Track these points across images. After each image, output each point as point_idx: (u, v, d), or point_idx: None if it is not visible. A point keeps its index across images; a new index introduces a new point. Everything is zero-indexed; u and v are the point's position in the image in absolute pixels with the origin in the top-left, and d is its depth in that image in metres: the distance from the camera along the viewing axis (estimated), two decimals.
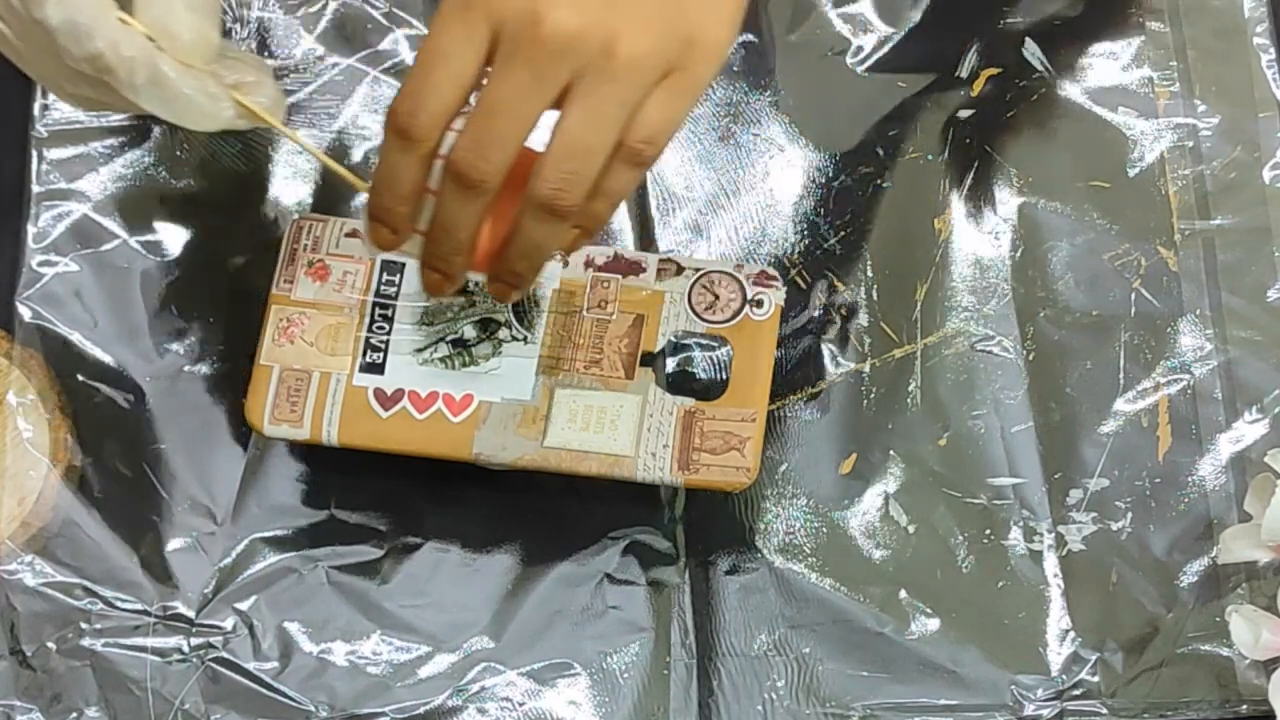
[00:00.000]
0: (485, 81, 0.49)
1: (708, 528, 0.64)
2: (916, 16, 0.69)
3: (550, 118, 0.49)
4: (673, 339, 0.62)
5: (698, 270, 0.62)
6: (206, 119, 0.53)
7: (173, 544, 0.63)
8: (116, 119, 0.67)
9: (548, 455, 0.60)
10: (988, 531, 0.64)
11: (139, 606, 0.62)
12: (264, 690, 0.62)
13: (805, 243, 0.67)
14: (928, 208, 0.67)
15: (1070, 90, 0.68)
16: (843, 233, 0.67)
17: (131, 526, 0.63)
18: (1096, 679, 0.62)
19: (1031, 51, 0.69)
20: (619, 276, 0.62)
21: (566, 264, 0.62)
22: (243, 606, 0.62)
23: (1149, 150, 0.68)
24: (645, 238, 0.67)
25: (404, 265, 0.62)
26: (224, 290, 0.66)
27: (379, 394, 0.61)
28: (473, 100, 0.50)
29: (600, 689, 0.62)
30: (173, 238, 0.66)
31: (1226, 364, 0.65)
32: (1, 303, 0.65)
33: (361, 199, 0.66)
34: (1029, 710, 0.62)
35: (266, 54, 0.68)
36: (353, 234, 0.62)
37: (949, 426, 0.65)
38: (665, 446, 0.60)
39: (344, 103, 0.68)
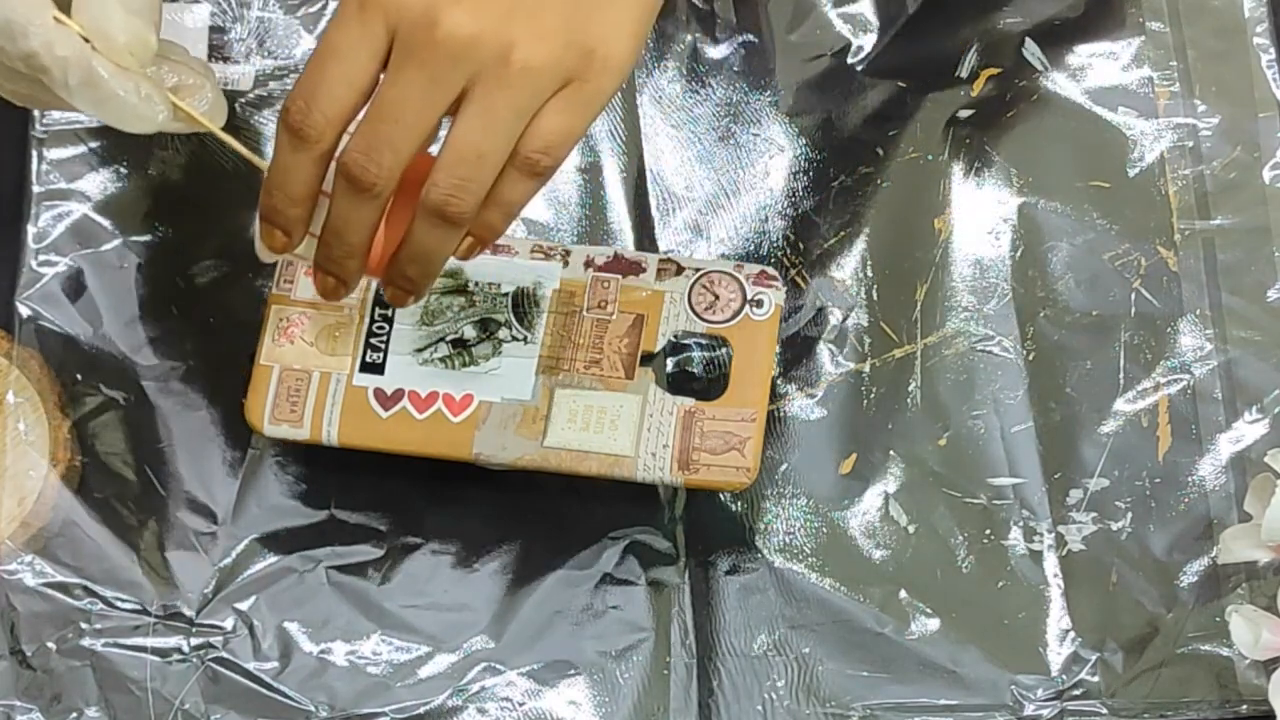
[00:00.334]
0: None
1: (708, 528, 0.64)
2: (917, 17, 0.69)
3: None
4: (673, 339, 0.62)
5: (698, 270, 0.62)
6: (140, 121, 0.52)
7: (173, 544, 0.63)
8: None
9: (548, 455, 0.60)
10: (988, 531, 0.64)
11: (139, 606, 0.62)
12: (264, 690, 0.62)
13: (805, 243, 0.67)
14: (928, 208, 0.67)
15: (1070, 90, 0.68)
16: (843, 233, 0.67)
17: (131, 526, 0.63)
18: (1096, 679, 0.62)
19: (1031, 51, 0.69)
20: (619, 276, 0.62)
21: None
22: (243, 606, 0.62)
23: (1149, 150, 0.68)
24: (645, 238, 0.67)
25: None
26: (224, 290, 0.66)
27: (379, 394, 0.61)
28: None
29: (600, 689, 0.62)
30: (172, 238, 0.66)
31: (1226, 364, 0.65)
32: (1, 303, 0.65)
33: None
34: (1029, 710, 0.62)
35: (266, 54, 0.68)
36: None
37: (949, 426, 0.65)
38: (665, 446, 0.60)
39: None
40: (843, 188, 0.67)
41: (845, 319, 0.66)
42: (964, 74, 0.69)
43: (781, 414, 0.65)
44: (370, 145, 0.49)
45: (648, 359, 0.61)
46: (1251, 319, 0.66)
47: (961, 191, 0.67)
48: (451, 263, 0.54)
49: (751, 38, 0.69)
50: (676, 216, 0.67)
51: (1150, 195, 0.67)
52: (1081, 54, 0.69)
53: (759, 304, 0.62)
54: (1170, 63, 0.69)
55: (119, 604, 0.62)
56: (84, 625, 0.62)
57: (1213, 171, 0.67)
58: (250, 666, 0.62)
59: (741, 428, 0.60)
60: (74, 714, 0.61)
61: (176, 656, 0.62)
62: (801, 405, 0.65)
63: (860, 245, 0.66)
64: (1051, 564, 0.63)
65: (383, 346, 0.61)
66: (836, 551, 0.63)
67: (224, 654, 0.62)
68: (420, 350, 0.61)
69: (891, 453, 0.64)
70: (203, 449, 0.64)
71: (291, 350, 0.61)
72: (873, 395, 0.65)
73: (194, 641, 0.62)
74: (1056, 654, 0.62)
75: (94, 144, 0.67)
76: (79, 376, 0.64)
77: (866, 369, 0.65)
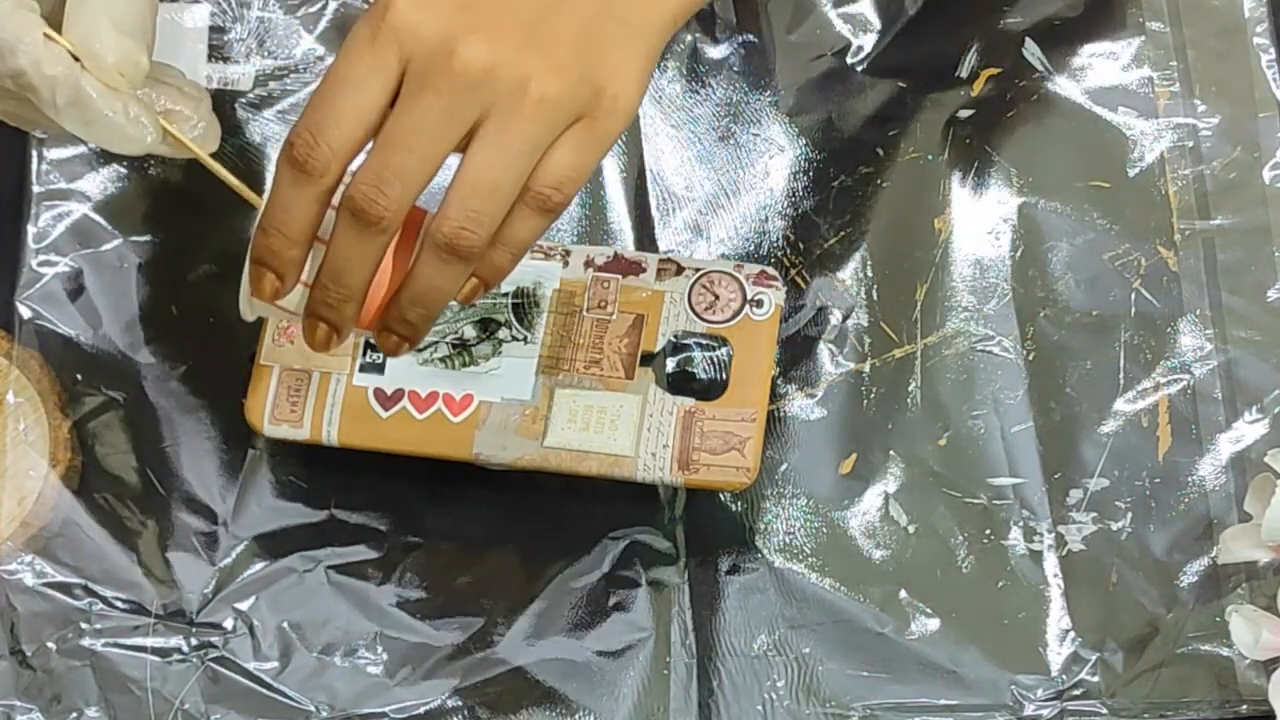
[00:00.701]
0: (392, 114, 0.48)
1: (708, 528, 0.64)
2: (917, 17, 0.69)
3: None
4: (673, 339, 0.62)
5: (698, 270, 0.62)
6: (128, 142, 0.51)
7: (173, 544, 0.63)
8: None
9: (548, 455, 0.60)
10: (988, 531, 0.64)
11: (139, 606, 0.62)
12: (264, 690, 0.62)
13: (805, 243, 0.67)
14: (928, 208, 0.67)
15: (1070, 90, 0.68)
16: (843, 233, 0.67)
17: (131, 526, 0.63)
18: (1096, 679, 0.62)
19: (1031, 51, 0.69)
20: (619, 276, 0.62)
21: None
22: (243, 606, 0.62)
23: (1149, 150, 0.68)
24: (645, 238, 0.67)
25: None
26: (224, 290, 0.65)
27: (379, 394, 0.61)
28: None
29: (600, 689, 0.62)
30: (172, 237, 0.66)
31: (1226, 364, 0.65)
32: (1, 303, 0.65)
33: None
34: (1029, 710, 0.62)
35: (266, 54, 0.68)
36: None
37: (949, 426, 0.65)
38: (665, 446, 0.60)
39: None
40: (843, 188, 0.67)
41: (845, 319, 0.66)
42: (964, 74, 0.69)
43: (781, 414, 0.65)
44: (380, 177, 0.47)
45: (648, 359, 0.61)
46: (1251, 319, 0.66)
47: (961, 191, 0.67)
48: None
49: (751, 38, 0.69)
50: (676, 216, 0.67)
51: (1150, 195, 0.67)
52: (1082, 54, 0.69)
53: (759, 304, 0.62)
54: (1170, 63, 0.69)
55: (119, 604, 0.62)
56: (84, 625, 0.62)
57: (1213, 171, 0.67)
58: (250, 666, 0.62)
59: (741, 428, 0.60)
60: (74, 714, 0.61)
61: (176, 656, 0.62)
62: (801, 405, 0.65)
63: (860, 245, 0.66)
64: (1051, 564, 0.63)
65: None
66: (836, 551, 0.63)
67: (224, 654, 0.62)
68: (420, 350, 0.61)
69: (891, 453, 0.64)
70: (203, 449, 0.64)
71: (291, 350, 0.61)
72: (873, 395, 0.65)
73: (194, 641, 0.62)
74: (1056, 654, 0.62)
75: (94, 144, 0.67)
76: (79, 376, 0.64)
77: (866, 369, 0.65)
